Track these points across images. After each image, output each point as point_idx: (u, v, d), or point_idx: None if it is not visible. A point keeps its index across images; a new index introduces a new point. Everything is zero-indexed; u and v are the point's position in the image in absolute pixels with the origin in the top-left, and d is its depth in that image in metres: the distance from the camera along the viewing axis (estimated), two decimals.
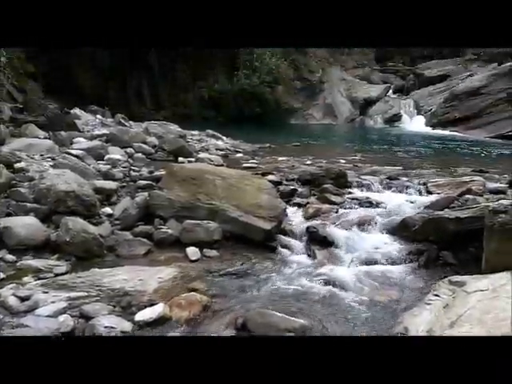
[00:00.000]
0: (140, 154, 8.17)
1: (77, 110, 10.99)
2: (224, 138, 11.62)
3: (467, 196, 6.52)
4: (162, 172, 6.56)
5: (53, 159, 6.71)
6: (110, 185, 6.05)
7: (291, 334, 3.51)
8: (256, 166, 8.26)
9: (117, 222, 5.41)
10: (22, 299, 3.69)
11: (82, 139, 8.26)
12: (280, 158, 9.36)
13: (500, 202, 5.70)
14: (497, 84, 19.01)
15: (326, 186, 6.72)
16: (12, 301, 3.66)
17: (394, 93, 25.82)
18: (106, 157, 7.37)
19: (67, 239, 4.65)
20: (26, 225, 4.78)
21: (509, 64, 19.62)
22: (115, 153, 7.69)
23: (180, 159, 8.10)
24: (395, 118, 22.29)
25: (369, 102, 23.28)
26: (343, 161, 9.46)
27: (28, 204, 5.17)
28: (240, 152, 10.15)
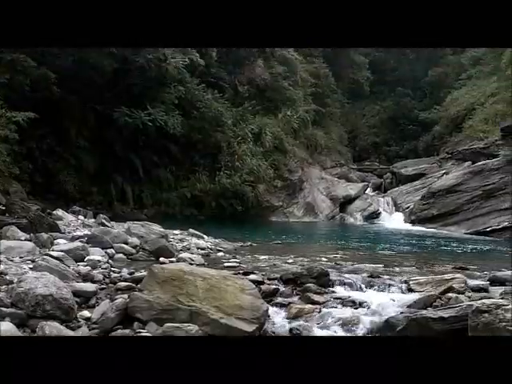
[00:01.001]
0: (121, 255, 8.13)
1: (59, 211, 11.02)
2: (205, 236, 11.65)
3: (449, 294, 6.53)
4: (143, 273, 6.50)
5: (32, 261, 6.64)
6: (89, 287, 5.97)
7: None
8: (237, 265, 8.22)
9: (95, 325, 5.28)
10: None
11: (62, 240, 8.23)
12: (262, 257, 9.35)
13: (483, 301, 5.72)
14: (472, 182, 19.62)
15: (308, 285, 6.69)
16: None
17: (372, 191, 26.50)
18: (87, 258, 7.31)
19: None
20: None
21: (482, 163, 20.37)
22: (96, 254, 7.64)
23: (161, 259, 8.06)
24: (374, 215, 22.69)
25: (348, 200, 23.76)
26: (325, 259, 9.47)
27: (4, 309, 5.03)
28: (221, 251, 10.14)
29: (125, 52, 17.00)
